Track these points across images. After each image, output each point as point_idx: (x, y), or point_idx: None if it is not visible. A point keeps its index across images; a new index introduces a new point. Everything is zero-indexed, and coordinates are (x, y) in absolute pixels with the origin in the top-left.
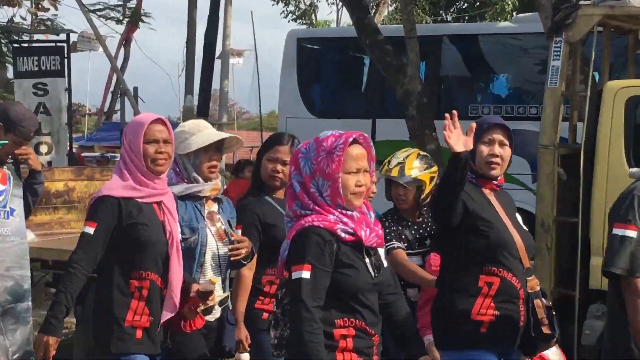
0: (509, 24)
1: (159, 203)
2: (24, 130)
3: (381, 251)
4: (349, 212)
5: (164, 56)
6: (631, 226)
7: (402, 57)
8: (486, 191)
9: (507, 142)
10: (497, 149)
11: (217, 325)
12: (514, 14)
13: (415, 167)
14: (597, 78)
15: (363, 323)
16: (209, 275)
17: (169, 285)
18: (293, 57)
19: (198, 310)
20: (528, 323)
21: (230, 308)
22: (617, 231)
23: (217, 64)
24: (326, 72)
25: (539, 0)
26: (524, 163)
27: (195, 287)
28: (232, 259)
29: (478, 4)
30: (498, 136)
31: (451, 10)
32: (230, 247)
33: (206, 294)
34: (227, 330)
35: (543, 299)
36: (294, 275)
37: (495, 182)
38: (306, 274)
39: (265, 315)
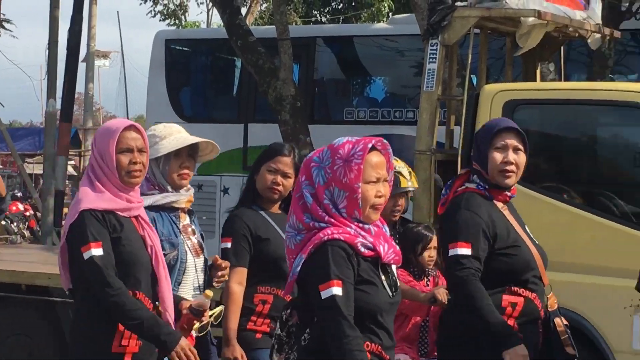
0: (384, 25)
1: (136, 217)
2: None
3: (394, 268)
4: (366, 226)
5: (27, 58)
6: None
7: (275, 59)
8: (499, 204)
9: (521, 147)
10: (511, 156)
11: (197, 347)
12: (391, 15)
13: (409, 173)
14: (475, 81)
15: (380, 347)
16: (187, 294)
17: (162, 303)
18: (161, 59)
19: (193, 328)
20: (545, 343)
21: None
22: None
23: (82, 67)
24: (196, 75)
25: (415, 1)
26: None
27: (186, 303)
28: (216, 285)
29: (354, 4)
30: (512, 141)
31: (326, 11)
32: (219, 273)
33: (201, 310)
34: (212, 353)
35: (562, 318)
36: (324, 294)
37: (508, 192)
38: (338, 290)
39: (259, 335)
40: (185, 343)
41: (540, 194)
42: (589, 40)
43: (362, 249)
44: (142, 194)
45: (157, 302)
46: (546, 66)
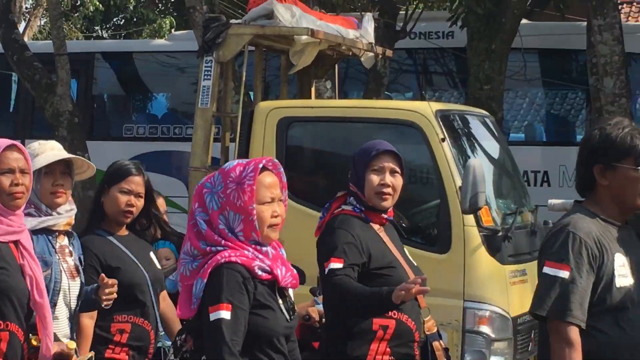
0: (164, 41)
1: (15, 242)
2: None
3: (291, 292)
4: (263, 248)
5: None
6: (564, 266)
7: (52, 74)
8: (375, 226)
9: (398, 170)
10: (388, 178)
11: None
12: (172, 31)
13: None
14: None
15: None
16: (62, 317)
17: (42, 336)
18: None
19: None
20: None
21: None
22: (548, 270)
23: None
24: None
25: (193, 17)
26: (181, 185)
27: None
28: (105, 305)
29: (135, 20)
30: (389, 164)
31: (107, 26)
32: (107, 290)
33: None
34: None
35: (441, 341)
36: (212, 317)
37: (384, 214)
38: (226, 314)
39: None
40: None
41: (314, 210)
42: (362, 59)
43: (259, 272)
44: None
45: (30, 335)
46: (323, 84)
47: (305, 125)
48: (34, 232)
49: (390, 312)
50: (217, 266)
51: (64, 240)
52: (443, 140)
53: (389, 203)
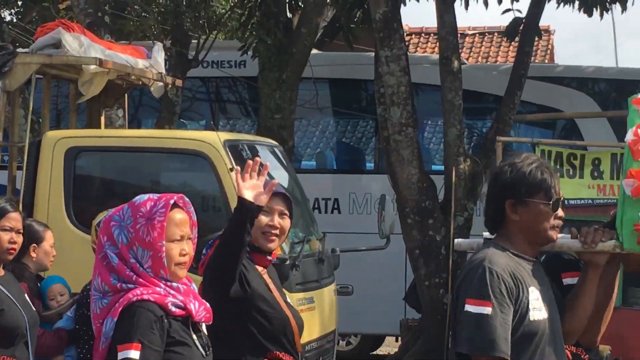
0: None
1: None
2: None
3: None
4: (174, 284)
5: None
6: (486, 302)
7: None
8: (259, 268)
9: (287, 212)
10: (276, 220)
11: None
12: None
13: None
14: None
15: None
16: None
17: None
18: None
19: None
20: None
21: None
22: (470, 308)
23: None
24: None
25: None
26: None
27: None
28: None
29: None
30: (278, 206)
31: None
32: None
33: None
34: None
35: None
36: (120, 356)
37: (269, 256)
38: (135, 354)
39: None
40: None
41: None
42: (152, 88)
43: (173, 309)
44: None
45: None
46: (115, 112)
47: (94, 155)
48: None
49: (279, 354)
50: (128, 304)
51: None
52: (231, 170)
53: (275, 244)
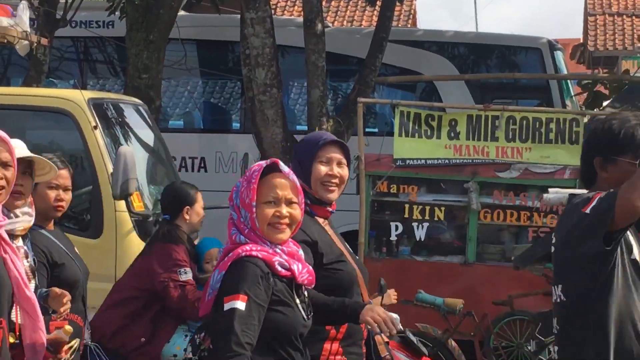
0: None
1: None
2: None
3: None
4: (278, 246)
5: None
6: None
7: None
8: (320, 220)
9: (345, 161)
10: (335, 169)
11: None
12: None
13: None
14: None
15: None
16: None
17: (24, 330)
18: None
19: None
20: None
21: None
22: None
23: None
24: None
25: None
26: None
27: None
28: (59, 316)
29: None
30: (336, 155)
31: None
32: (64, 308)
33: (58, 346)
34: None
35: (382, 335)
36: (227, 306)
37: (329, 207)
38: (241, 305)
39: None
40: None
41: None
42: (17, 47)
43: (279, 268)
44: None
45: (12, 333)
46: None
47: None
48: None
49: None
50: (237, 259)
51: (19, 242)
52: (95, 127)
53: (335, 195)
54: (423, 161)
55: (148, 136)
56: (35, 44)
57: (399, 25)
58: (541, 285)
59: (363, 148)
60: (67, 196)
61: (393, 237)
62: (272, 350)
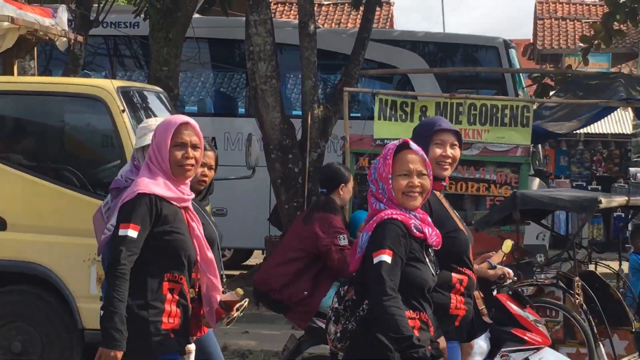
0: None
1: (185, 208)
2: None
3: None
4: (412, 212)
5: None
6: None
7: None
8: (437, 192)
9: (457, 143)
10: (449, 150)
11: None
12: None
13: None
14: None
15: (426, 315)
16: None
17: (206, 289)
18: None
19: (225, 320)
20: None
21: None
22: None
23: None
24: None
25: None
26: None
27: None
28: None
29: None
30: (450, 139)
31: None
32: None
33: (231, 304)
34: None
35: (478, 290)
36: (376, 260)
37: (443, 182)
38: (387, 258)
39: None
40: (120, 355)
41: (16, 169)
42: (57, 43)
43: (414, 230)
44: (128, 179)
45: (192, 289)
46: (27, 63)
47: (6, 98)
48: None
49: (462, 269)
50: (381, 221)
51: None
52: (123, 111)
53: (448, 172)
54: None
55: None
56: (73, 41)
57: (379, 26)
58: (497, 245)
59: (348, 130)
60: (211, 173)
61: None
62: (407, 300)
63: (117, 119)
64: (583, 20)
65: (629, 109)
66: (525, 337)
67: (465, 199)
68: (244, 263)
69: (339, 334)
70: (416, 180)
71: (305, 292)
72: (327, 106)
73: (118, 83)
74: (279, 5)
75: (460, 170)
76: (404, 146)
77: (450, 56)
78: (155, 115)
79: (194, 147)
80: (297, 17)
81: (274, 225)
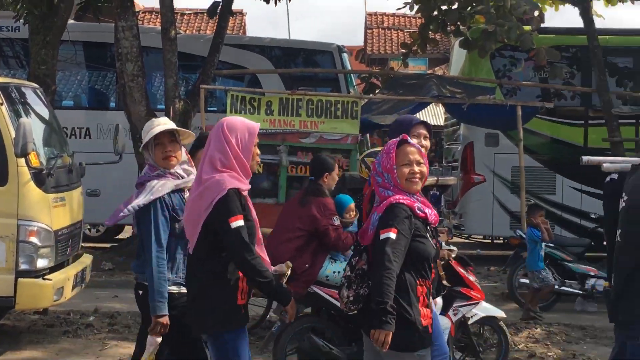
0: None
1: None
2: None
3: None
4: (414, 196)
5: None
6: None
7: None
8: None
9: (428, 135)
10: (423, 142)
11: None
12: None
13: None
14: None
15: (430, 284)
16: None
17: (265, 261)
18: None
19: None
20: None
21: None
22: None
23: None
24: None
25: None
26: None
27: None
28: None
29: None
30: (422, 131)
31: None
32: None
33: (281, 276)
34: None
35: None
36: (382, 236)
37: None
38: (393, 235)
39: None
40: (293, 301)
41: None
42: None
43: (418, 211)
44: (150, 178)
45: None
46: None
47: None
48: (173, 191)
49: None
50: (390, 204)
51: (187, 194)
52: (1, 104)
53: (418, 186)
54: None
55: (43, 111)
56: None
57: (233, 33)
58: None
59: (204, 122)
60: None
61: None
62: (417, 271)
63: None
64: (405, 30)
65: (440, 104)
66: (471, 295)
67: (304, 180)
68: (115, 237)
69: (352, 298)
70: (416, 168)
71: (307, 265)
72: (187, 101)
73: None
74: (146, 13)
75: (300, 156)
76: (402, 142)
77: (293, 59)
78: (32, 108)
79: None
80: (161, 22)
81: None
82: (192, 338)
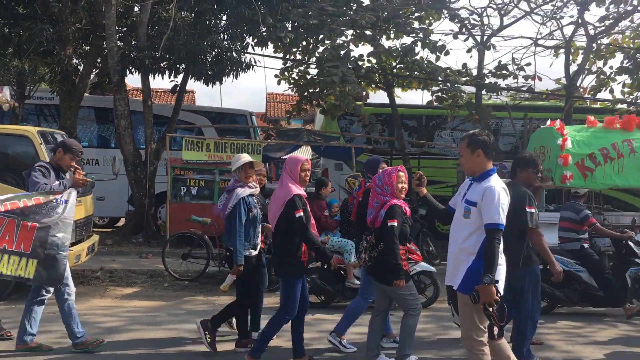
0: None
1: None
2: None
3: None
4: (402, 200)
5: None
6: None
7: None
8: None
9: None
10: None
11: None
12: None
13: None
14: None
15: (408, 248)
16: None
17: None
18: None
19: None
20: None
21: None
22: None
23: None
24: None
25: None
26: None
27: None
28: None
29: None
30: (384, 165)
31: None
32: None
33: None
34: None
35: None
36: (390, 224)
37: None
38: (395, 224)
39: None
40: (335, 257)
41: None
42: (2, 106)
43: (406, 209)
44: (237, 187)
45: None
46: None
47: None
48: (249, 195)
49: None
50: (391, 205)
51: (255, 199)
52: (41, 144)
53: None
54: (194, 161)
55: None
56: (13, 106)
57: (187, 103)
58: (198, 210)
59: (169, 155)
60: (263, 181)
61: (182, 192)
62: (401, 242)
63: (38, 149)
64: (289, 103)
65: (309, 146)
66: (414, 256)
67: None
68: (115, 225)
69: (367, 258)
70: (405, 185)
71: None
72: (159, 143)
73: (38, 128)
74: (133, 90)
75: (227, 176)
76: (398, 169)
77: (223, 118)
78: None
79: (307, 170)
80: (142, 96)
81: (130, 205)
82: (248, 279)
